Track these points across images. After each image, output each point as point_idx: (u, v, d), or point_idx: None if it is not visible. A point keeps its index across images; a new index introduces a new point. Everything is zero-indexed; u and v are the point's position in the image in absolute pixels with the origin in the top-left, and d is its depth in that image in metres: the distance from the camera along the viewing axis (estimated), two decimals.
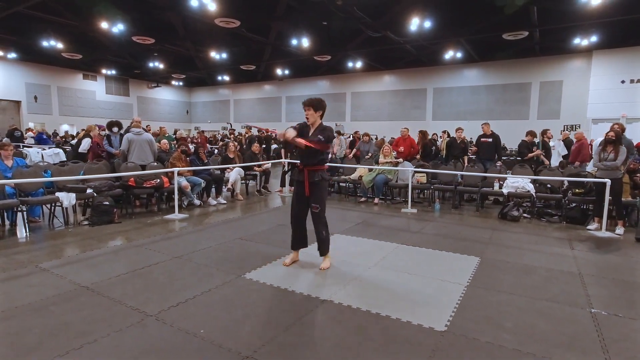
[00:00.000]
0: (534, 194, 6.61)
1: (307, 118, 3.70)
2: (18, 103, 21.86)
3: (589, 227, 5.82)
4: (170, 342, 2.42)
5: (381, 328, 2.65)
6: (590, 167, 7.76)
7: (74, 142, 11.07)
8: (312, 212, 3.75)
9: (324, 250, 3.83)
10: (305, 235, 3.90)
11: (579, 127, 16.91)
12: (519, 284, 3.51)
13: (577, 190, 6.36)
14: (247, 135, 15.49)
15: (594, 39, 14.42)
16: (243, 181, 8.46)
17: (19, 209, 5.14)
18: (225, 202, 7.48)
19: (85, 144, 7.87)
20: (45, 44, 16.15)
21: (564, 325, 2.75)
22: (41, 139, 14.43)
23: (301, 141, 3.51)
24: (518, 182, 6.76)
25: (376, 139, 13.39)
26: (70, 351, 2.28)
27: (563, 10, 11.68)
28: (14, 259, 3.96)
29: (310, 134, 3.67)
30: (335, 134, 10.60)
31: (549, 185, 6.77)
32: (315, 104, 3.70)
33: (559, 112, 17.64)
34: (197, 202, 7.08)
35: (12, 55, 19.98)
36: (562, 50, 16.63)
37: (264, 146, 12.86)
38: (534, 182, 6.82)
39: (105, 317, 2.72)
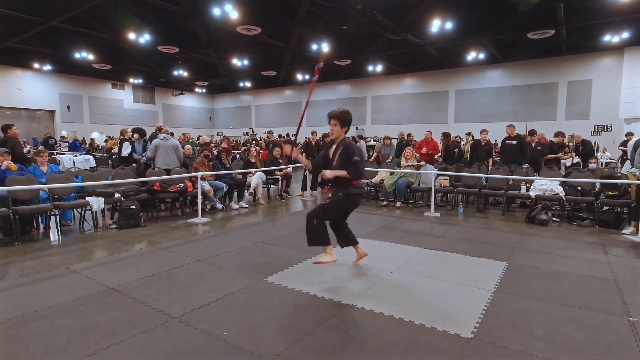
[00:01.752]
0: (563, 197, 6.35)
1: (332, 132, 3.51)
2: (52, 112, 22.92)
3: (623, 231, 5.54)
4: (193, 344, 2.44)
5: (405, 333, 2.59)
6: (626, 167, 7.41)
7: (101, 147, 11.42)
8: (325, 200, 3.66)
9: (311, 241, 3.62)
10: (350, 235, 3.82)
11: (611, 127, 16.21)
12: (548, 291, 3.37)
13: (610, 193, 6.07)
14: (269, 140, 15.65)
15: (625, 35, 13.82)
16: (265, 185, 8.53)
17: (52, 212, 5.36)
18: (247, 206, 7.56)
19: (127, 147, 8.12)
20: (77, 55, 16.92)
21: (599, 334, 2.61)
22: (75, 146, 15.09)
23: (329, 174, 3.42)
24: (546, 185, 6.52)
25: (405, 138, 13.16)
26: (98, 351, 2.34)
27: (591, 6, 11.27)
28: (47, 261, 4.13)
29: (334, 154, 3.53)
30: (357, 138, 10.72)
31: (579, 188, 6.50)
32: (342, 119, 3.47)
33: (589, 113, 16.98)
34: (219, 206, 7.18)
35: (47, 67, 21.01)
36: (591, 48, 16.02)
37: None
38: (563, 184, 6.56)
39: (131, 319, 2.78)
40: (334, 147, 3.57)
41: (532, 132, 7.89)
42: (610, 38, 14.19)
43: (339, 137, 3.53)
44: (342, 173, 3.42)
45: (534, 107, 18.32)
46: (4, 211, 4.72)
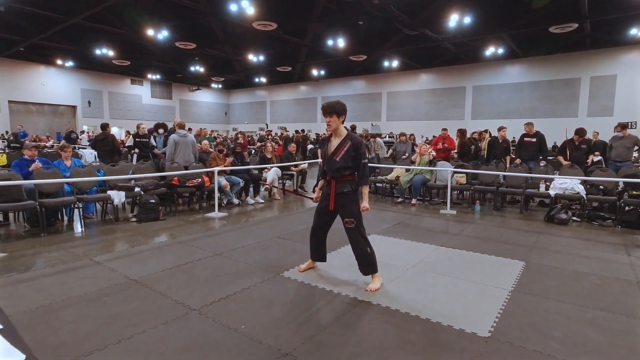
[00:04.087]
0: (584, 196, 6.21)
1: (329, 125, 3.27)
2: (74, 108, 23.56)
3: None
4: (212, 337, 2.51)
5: (421, 331, 2.60)
6: None
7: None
8: (347, 229, 3.30)
9: (368, 269, 3.32)
10: (323, 249, 3.62)
11: (636, 124, 15.71)
12: (568, 291, 3.32)
13: (634, 192, 5.90)
14: (282, 135, 15.74)
15: None
16: (280, 181, 8.59)
17: (76, 205, 5.54)
18: (262, 201, 7.64)
19: (159, 142, 8.31)
20: (98, 52, 17.31)
21: (620, 336, 2.57)
22: None
23: (367, 206, 3.29)
24: (566, 183, 6.38)
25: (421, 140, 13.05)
26: (122, 340, 2.43)
27: None
28: (71, 252, 4.27)
29: (336, 148, 3.27)
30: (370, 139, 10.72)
31: (601, 187, 6.34)
32: (338, 110, 3.24)
33: (612, 109, 16.49)
34: (235, 201, 7.28)
35: (69, 63, 21.57)
36: (616, 42, 15.53)
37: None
38: (584, 183, 6.41)
39: (152, 310, 2.87)
40: (334, 141, 3.32)
41: (580, 132, 7.44)
42: (637, 32, 13.71)
43: (338, 130, 3.30)
44: (366, 197, 3.31)
45: (555, 104, 17.89)
46: (31, 203, 4.90)
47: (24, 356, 1.00)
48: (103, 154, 7.94)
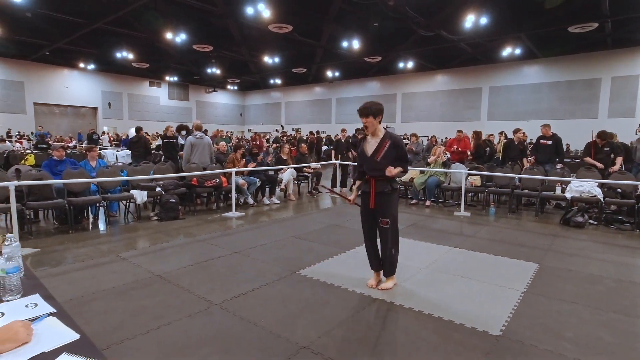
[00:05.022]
0: (601, 199, 6.14)
1: (367, 127, 3.27)
2: (95, 109, 24.28)
3: None
4: (234, 329, 2.64)
5: (433, 329, 2.68)
6: None
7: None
8: (380, 227, 3.33)
9: (390, 270, 3.39)
10: (377, 252, 3.49)
11: None
12: (582, 294, 3.34)
13: None
14: (297, 137, 15.91)
15: None
16: (296, 181, 8.73)
17: (101, 204, 5.79)
18: (278, 201, 7.79)
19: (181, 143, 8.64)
20: (118, 55, 17.84)
21: (634, 339, 2.59)
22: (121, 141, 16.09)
23: (395, 171, 3.20)
24: (583, 186, 6.32)
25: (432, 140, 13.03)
26: (150, 331, 2.59)
27: None
28: (98, 249, 4.49)
29: (376, 148, 3.26)
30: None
31: (619, 190, 6.26)
32: (374, 111, 3.21)
33: (634, 110, 16.10)
34: (250, 201, 7.44)
35: (91, 66, 22.26)
36: (638, 42, 15.14)
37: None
38: (602, 186, 6.34)
39: (176, 304, 3.02)
40: (372, 141, 3.31)
41: (602, 135, 7.29)
42: None
43: (376, 130, 3.30)
44: (399, 169, 3.28)
45: (574, 105, 17.56)
46: (61, 202, 5.16)
47: (78, 335, 1.14)
48: (137, 155, 8.57)
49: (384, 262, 3.41)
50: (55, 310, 1.29)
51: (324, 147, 16.14)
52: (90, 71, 23.03)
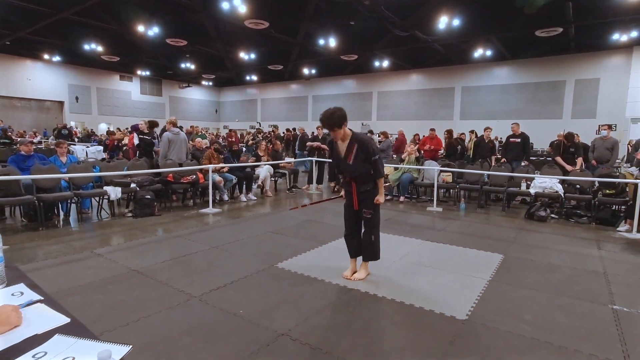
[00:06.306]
0: (562, 195, 6.55)
1: (335, 138, 3.34)
2: (61, 103, 23.26)
3: (619, 228, 5.74)
4: (213, 320, 2.71)
5: (405, 315, 2.84)
6: (630, 167, 7.54)
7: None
8: (364, 218, 3.47)
9: (370, 256, 3.53)
10: (359, 244, 3.61)
11: (616, 127, 16.28)
12: (541, 281, 3.60)
13: (607, 191, 6.26)
14: (275, 134, 15.89)
15: (634, 34, 13.86)
16: (272, 178, 8.78)
17: (73, 200, 5.65)
18: (255, 198, 7.82)
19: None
20: (86, 47, 17.17)
21: (583, 319, 2.85)
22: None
23: (382, 200, 3.41)
24: (546, 183, 6.72)
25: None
26: (130, 323, 2.61)
27: (600, 5, 11.33)
28: (71, 245, 4.41)
29: (346, 152, 3.32)
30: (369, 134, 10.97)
31: (578, 186, 6.69)
32: (338, 121, 3.19)
33: (595, 111, 17.03)
34: (226, 197, 7.44)
35: (56, 58, 21.29)
36: (600, 46, 16.04)
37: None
38: (562, 182, 6.75)
39: (155, 297, 3.05)
40: (343, 145, 3.36)
41: (568, 137, 7.70)
42: (619, 37, 14.22)
43: (346, 135, 3.32)
44: (382, 189, 3.41)
45: (541, 105, 18.38)
46: (30, 198, 5.01)
47: (69, 319, 1.19)
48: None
49: (364, 247, 3.54)
50: (42, 298, 1.33)
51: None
52: (55, 63, 22.03)
